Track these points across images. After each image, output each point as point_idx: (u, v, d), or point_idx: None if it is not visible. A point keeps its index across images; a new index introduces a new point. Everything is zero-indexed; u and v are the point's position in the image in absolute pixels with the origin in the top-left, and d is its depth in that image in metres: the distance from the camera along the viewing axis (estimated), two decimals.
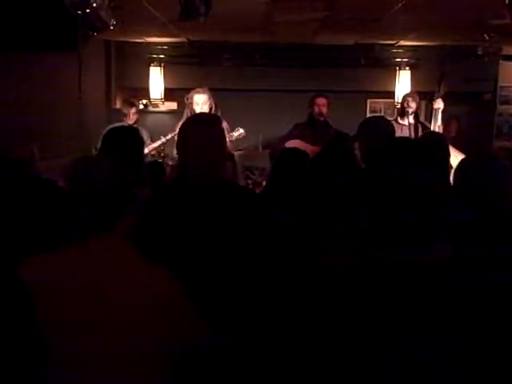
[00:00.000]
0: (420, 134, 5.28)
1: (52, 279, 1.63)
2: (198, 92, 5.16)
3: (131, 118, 5.96)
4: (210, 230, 2.12)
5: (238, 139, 5.29)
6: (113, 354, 1.60)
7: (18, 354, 1.68)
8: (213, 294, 2.00)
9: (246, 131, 5.34)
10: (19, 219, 2.52)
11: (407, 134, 5.28)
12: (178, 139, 2.42)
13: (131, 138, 2.93)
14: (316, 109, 5.45)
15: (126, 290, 1.61)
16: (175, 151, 5.03)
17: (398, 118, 5.59)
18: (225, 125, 4.70)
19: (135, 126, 5.71)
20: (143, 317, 1.59)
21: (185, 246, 2.05)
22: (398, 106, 6.78)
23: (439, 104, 5.25)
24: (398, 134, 5.35)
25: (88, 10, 3.09)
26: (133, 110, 6.01)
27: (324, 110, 5.44)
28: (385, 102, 7.62)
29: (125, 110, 6.04)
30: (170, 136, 5.40)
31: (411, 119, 5.41)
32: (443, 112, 5.29)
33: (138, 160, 2.79)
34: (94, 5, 3.08)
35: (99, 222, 1.66)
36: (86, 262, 1.64)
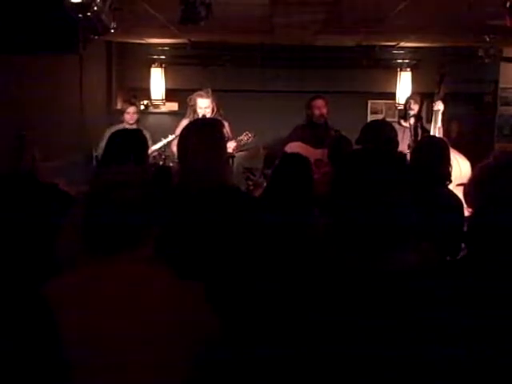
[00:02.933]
0: (419, 136, 5.28)
1: (78, 297, 1.61)
2: (201, 96, 5.17)
3: (131, 118, 5.90)
4: (216, 235, 2.13)
5: (246, 143, 5.31)
6: (138, 370, 1.59)
7: (42, 372, 1.65)
8: (222, 295, 2.02)
9: (246, 131, 5.37)
10: (20, 224, 2.52)
11: (409, 137, 5.29)
12: (178, 144, 2.43)
13: (136, 140, 2.92)
14: (316, 111, 5.41)
15: (154, 305, 1.60)
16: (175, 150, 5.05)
17: (401, 121, 5.59)
18: (226, 126, 4.71)
19: (135, 126, 5.70)
20: (169, 331, 1.59)
21: (197, 253, 2.07)
22: (400, 108, 6.80)
23: (439, 106, 5.25)
24: (400, 136, 5.37)
25: (89, 14, 3.09)
26: (132, 109, 5.94)
27: (324, 111, 5.41)
28: (386, 103, 7.62)
29: (124, 109, 6.00)
30: (170, 138, 5.40)
31: (412, 121, 5.40)
32: (444, 113, 5.29)
33: (142, 163, 2.79)
34: (95, 8, 3.08)
35: (126, 238, 1.64)
36: (113, 278, 1.62)
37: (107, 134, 5.65)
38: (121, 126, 5.68)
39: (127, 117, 5.92)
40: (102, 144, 5.61)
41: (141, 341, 1.59)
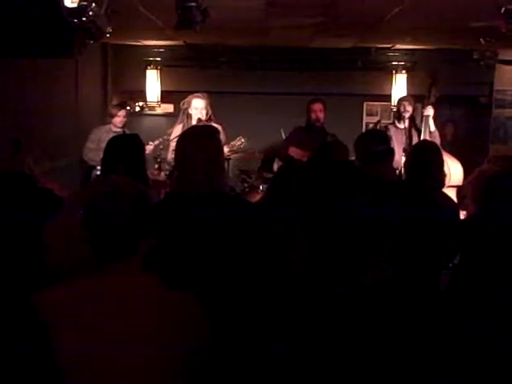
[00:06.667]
0: (414, 138, 5.30)
1: (69, 310, 1.60)
2: (198, 97, 5.12)
3: (121, 121, 5.65)
4: (212, 243, 2.14)
5: (239, 148, 5.31)
6: (128, 379, 1.59)
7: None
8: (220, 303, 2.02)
9: (241, 134, 5.36)
10: (17, 231, 2.52)
11: (404, 139, 5.31)
12: (176, 152, 2.43)
13: (134, 147, 2.91)
14: (312, 115, 5.44)
15: (144, 317, 1.60)
16: (169, 155, 5.03)
17: (396, 122, 5.60)
18: (220, 129, 4.70)
19: (121, 130, 5.53)
20: (159, 342, 1.59)
21: (195, 263, 2.07)
22: (395, 110, 6.81)
23: (429, 111, 5.26)
24: (397, 138, 5.40)
25: (84, 19, 3.08)
26: (122, 113, 5.70)
27: (320, 115, 5.43)
28: (381, 105, 7.64)
29: (113, 112, 5.74)
30: (157, 142, 5.41)
31: (407, 123, 5.42)
32: (439, 116, 5.32)
33: (141, 169, 2.78)
34: (91, 13, 3.08)
35: (120, 249, 1.65)
36: (104, 293, 1.62)
37: (93, 135, 5.62)
38: (108, 128, 5.60)
39: (117, 120, 5.65)
40: (90, 145, 5.60)
41: (131, 351, 1.58)
